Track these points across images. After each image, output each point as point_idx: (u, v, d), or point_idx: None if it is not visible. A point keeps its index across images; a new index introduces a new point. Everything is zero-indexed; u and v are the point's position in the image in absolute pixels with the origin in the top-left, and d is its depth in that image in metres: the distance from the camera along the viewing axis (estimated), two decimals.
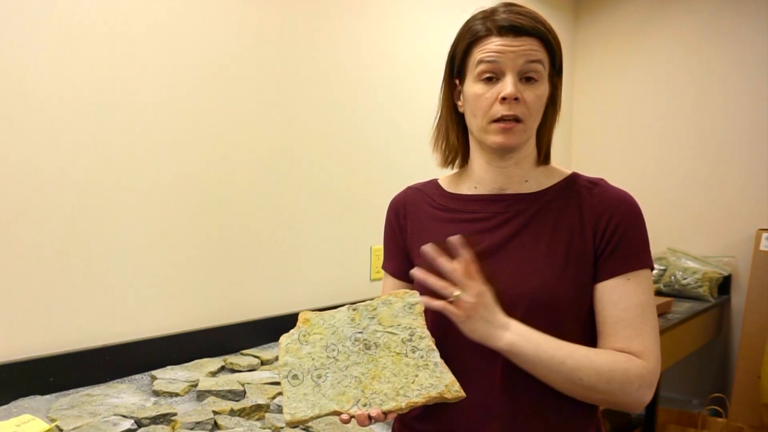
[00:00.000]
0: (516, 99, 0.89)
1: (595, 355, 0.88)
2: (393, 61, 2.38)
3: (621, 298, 0.90)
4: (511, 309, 0.91)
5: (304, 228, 2.10)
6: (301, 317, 0.93)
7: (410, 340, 0.89)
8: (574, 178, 0.99)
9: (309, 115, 2.09)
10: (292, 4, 2.00)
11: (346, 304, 0.95)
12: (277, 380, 1.60)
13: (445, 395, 0.85)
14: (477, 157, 1.00)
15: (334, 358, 0.89)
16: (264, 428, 1.32)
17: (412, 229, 1.04)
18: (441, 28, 2.51)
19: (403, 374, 0.87)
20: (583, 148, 3.65)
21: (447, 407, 0.95)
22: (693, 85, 3.28)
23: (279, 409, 1.42)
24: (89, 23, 1.53)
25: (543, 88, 0.92)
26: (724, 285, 3.19)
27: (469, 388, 0.92)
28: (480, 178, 1.00)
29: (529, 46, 0.89)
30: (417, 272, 0.90)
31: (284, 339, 0.92)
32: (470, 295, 0.86)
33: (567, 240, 0.93)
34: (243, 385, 1.54)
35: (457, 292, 0.86)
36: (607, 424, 2.82)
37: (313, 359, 0.89)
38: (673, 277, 3.16)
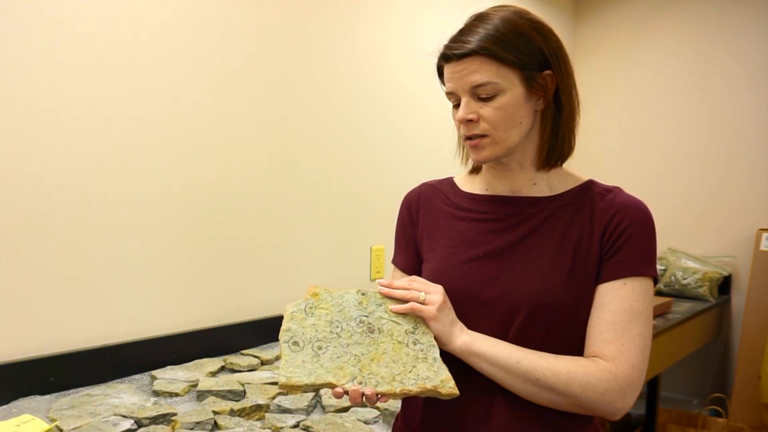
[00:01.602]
0: (471, 120, 0.91)
1: (555, 358, 0.88)
2: (393, 62, 2.38)
3: (611, 301, 0.90)
4: (514, 311, 0.91)
5: (303, 228, 2.10)
6: (309, 290, 0.94)
7: (413, 333, 0.90)
8: (589, 184, 0.99)
9: (308, 117, 2.09)
10: (291, 7, 2.00)
11: None
12: (278, 380, 1.60)
13: (440, 389, 0.86)
14: (486, 165, 1.02)
15: (336, 334, 0.90)
16: (264, 428, 1.32)
17: (424, 224, 1.06)
18: (440, 27, 2.51)
19: (402, 362, 0.88)
20: (582, 149, 3.62)
21: (448, 408, 0.96)
22: (693, 84, 3.28)
23: (279, 409, 1.42)
24: (90, 28, 1.53)
25: (504, 99, 0.89)
26: (724, 285, 3.19)
27: (470, 389, 0.93)
28: (490, 182, 1.02)
29: (470, 68, 0.89)
30: (382, 289, 0.93)
31: (290, 306, 0.93)
32: (436, 294, 0.91)
33: (575, 246, 0.92)
34: (243, 385, 1.54)
35: (422, 295, 0.90)
36: (607, 425, 2.82)
37: (316, 330, 0.90)
38: (673, 277, 3.16)
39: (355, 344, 0.90)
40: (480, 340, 0.90)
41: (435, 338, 0.90)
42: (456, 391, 0.87)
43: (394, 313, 0.91)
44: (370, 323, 0.91)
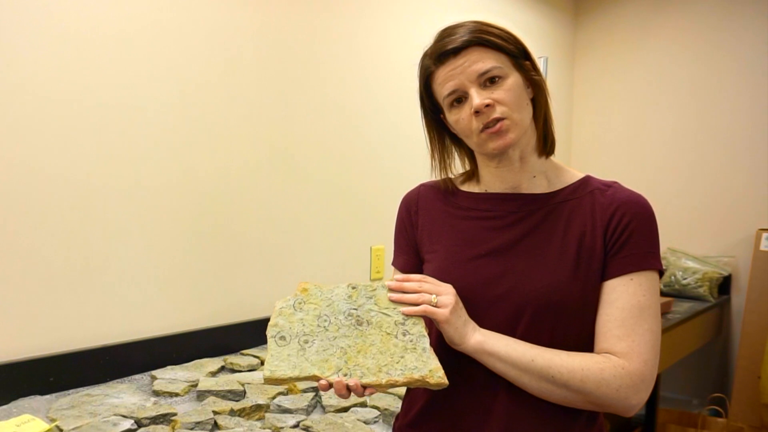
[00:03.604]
0: (488, 105, 0.91)
1: (568, 355, 0.88)
2: (393, 62, 2.38)
3: (620, 297, 0.90)
4: (521, 308, 0.91)
5: (304, 228, 2.10)
6: (299, 286, 0.95)
7: (403, 324, 0.90)
8: (587, 180, 0.99)
9: (308, 116, 2.09)
10: (293, 5, 2.00)
11: None
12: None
13: (428, 379, 0.85)
14: (485, 166, 1.02)
15: (324, 327, 0.90)
16: (264, 428, 1.32)
17: (423, 225, 1.05)
18: (439, 28, 2.51)
19: (390, 353, 0.87)
20: (583, 148, 3.65)
21: (449, 407, 0.96)
22: (693, 85, 3.28)
23: (279, 409, 1.42)
24: (89, 25, 1.53)
25: (510, 81, 0.92)
26: (724, 285, 3.19)
27: (472, 388, 0.93)
28: (489, 182, 1.02)
29: (472, 58, 0.91)
30: (392, 295, 0.92)
31: (279, 303, 0.94)
32: (448, 296, 0.89)
33: (578, 241, 0.93)
34: (243, 385, 1.54)
35: (434, 297, 0.89)
36: (608, 425, 2.82)
37: (303, 325, 0.91)
38: (673, 277, 3.16)
39: (343, 337, 0.89)
40: (493, 339, 0.89)
41: (447, 339, 0.89)
42: (445, 381, 0.86)
43: (405, 314, 0.90)
44: (358, 316, 0.91)
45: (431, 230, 1.04)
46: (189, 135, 1.76)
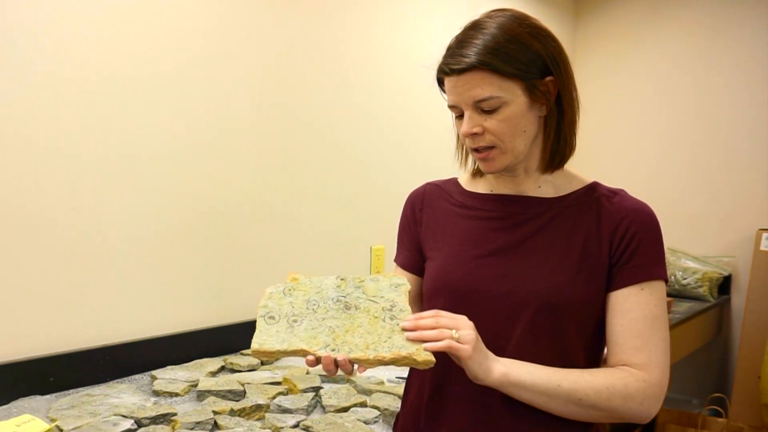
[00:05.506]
0: (476, 134, 0.91)
1: (590, 374, 0.88)
2: (392, 64, 2.38)
3: (633, 307, 0.90)
4: (521, 309, 0.92)
5: (303, 228, 2.10)
6: (289, 276, 0.96)
7: (390, 310, 0.91)
8: (594, 186, 0.99)
9: (308, 116, 2.09)
10: (292, 12, 2.00)
11: None
12: (278, 380, 1.60)
13: (415, 357, 0.84)
14: None
15: (312, 310, 0.92)
16: (264, 428, 1.32)
17: (428, 222, 1.06)
18: (440, 27, 2.51)
19: (377, 334, 0.88)
20: (582, 149, 3.62)
21: (449, 408, 0.96)
22: (693, 84, 3.28)
23: (279, 409, 1.42)
24: (92, 33, 1.53)
25: (508, 111, 0.89)
26: (724, 285, 3.19)
27: (474, 388, 0.93)
28: (495, 184, 1.02)
29: (471, 83, 0.88)
30: (409, 335, 0.85)
31: (269, 288, 0.95)
32: (468, 330, 0.84)
33: (582, 246, 0.93)
34: (243, 385, 1.54)
35: (455, 332, 0.83)
36: (607, 425, 2.82)
37: (293, 307, 0.92)
38: (673, 277, 3.16)
39: (331, 318, 0.90)
40: (516, 368, 0.86)
41: (471, 375, 0.85)
42: (432, 359, 0.84)
43: (427, 351, 0.84)
44: (347, 302, 0.92)
45: (435, 228, 1.04)
46: (189, 136, 1.76)
